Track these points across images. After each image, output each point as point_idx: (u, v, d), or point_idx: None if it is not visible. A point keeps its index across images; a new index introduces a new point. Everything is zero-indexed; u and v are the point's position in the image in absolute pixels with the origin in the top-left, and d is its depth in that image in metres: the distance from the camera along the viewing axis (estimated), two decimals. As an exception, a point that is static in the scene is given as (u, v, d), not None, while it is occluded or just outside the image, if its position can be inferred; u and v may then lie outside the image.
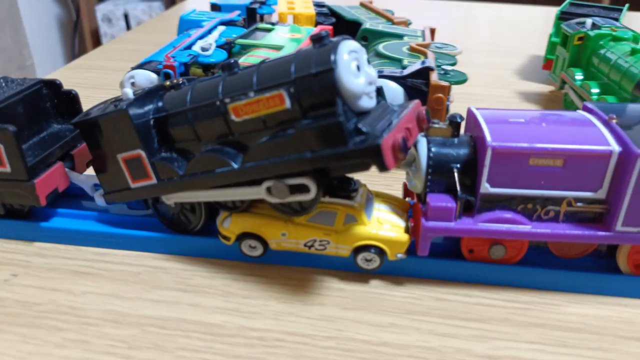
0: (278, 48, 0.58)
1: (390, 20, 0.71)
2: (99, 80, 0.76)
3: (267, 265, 0.39)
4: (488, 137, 0.33)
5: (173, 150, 0.37)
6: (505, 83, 0.77)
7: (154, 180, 0.37)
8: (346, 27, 0.71)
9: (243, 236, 0.37)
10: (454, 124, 0.36)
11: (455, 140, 0.36)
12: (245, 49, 0.60)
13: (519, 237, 0.35)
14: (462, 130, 0.37)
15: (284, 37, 0.61)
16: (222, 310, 0.35)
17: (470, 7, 1.30)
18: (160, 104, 0.37)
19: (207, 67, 0.59)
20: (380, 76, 0.52)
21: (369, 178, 0.38)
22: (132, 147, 0.36)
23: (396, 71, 0.52)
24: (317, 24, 0.72)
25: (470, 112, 0.37)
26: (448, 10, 1.24)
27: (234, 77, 0.34)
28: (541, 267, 0.37)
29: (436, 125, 0.38)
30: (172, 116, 0.36)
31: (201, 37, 0.62)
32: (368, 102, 0.32)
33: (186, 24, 0.70)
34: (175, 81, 0.37)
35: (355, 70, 0.31)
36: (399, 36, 0.64)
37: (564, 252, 0.37)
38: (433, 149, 0.35)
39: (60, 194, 0.42)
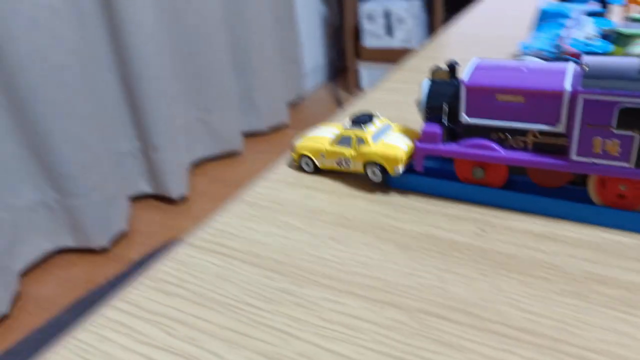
0: (673, 37, 0.57)
1: None
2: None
3: None
4: (465, 78, 0.42)
5: None
6: None
7: None
8: None
9: (302, 157, 0.51)
10: (451, 67, 0.46)
11: (455, 82, 0.45)
12: (628, 37, 0.60)
13: (492, 160, 0.43)
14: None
15: (673, 27, 0.60)
16: None
17: None
18: None
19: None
20: None
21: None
22: None
23: None
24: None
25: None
26: None
27: None
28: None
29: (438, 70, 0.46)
30: None
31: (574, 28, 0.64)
32: None
33: (547, 16, 0.72)
34: None
35: None
36: None
37: (542, 180, 0.44)
38: (431, 88, 0.45)
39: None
